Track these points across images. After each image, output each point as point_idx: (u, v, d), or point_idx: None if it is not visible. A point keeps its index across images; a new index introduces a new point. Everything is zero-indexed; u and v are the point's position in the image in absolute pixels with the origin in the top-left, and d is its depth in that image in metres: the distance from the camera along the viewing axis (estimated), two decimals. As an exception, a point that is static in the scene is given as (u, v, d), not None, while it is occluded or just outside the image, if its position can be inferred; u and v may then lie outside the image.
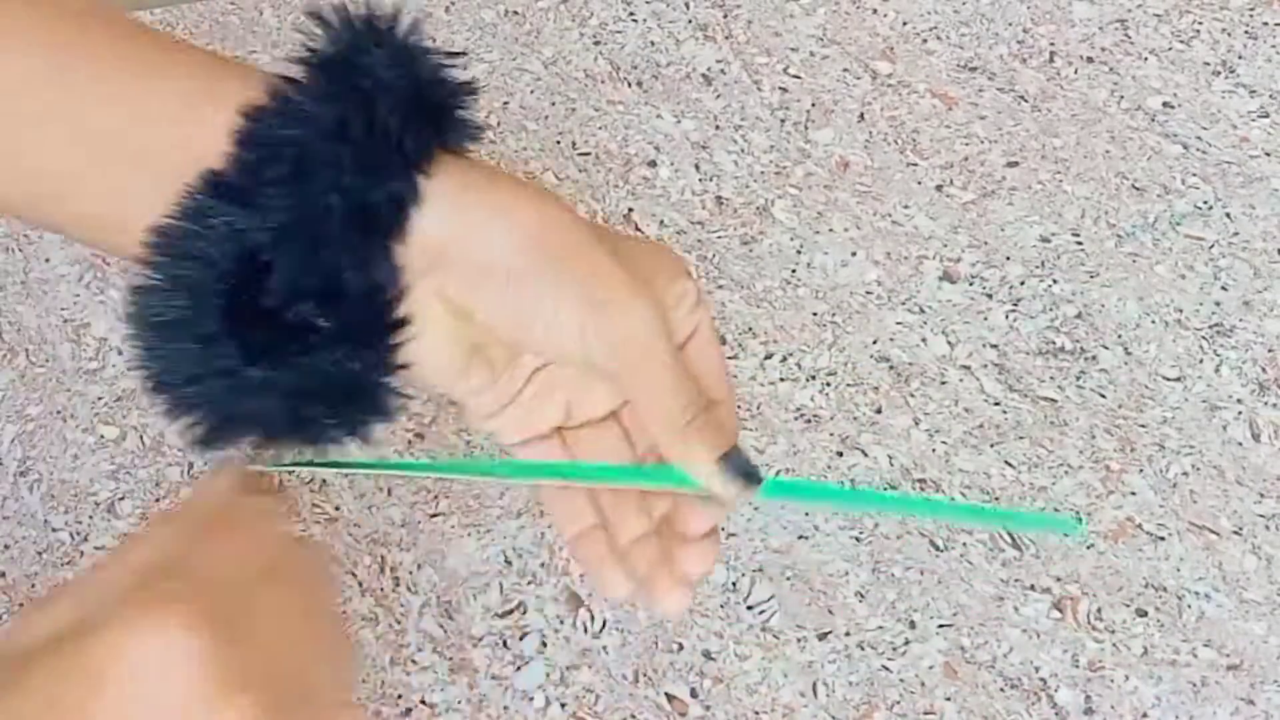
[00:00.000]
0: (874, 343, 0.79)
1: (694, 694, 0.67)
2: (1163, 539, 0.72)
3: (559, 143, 0.87)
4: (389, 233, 0.46)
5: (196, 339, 0.44)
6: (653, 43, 0.92)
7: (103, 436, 0.76)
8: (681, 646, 0.69)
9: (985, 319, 0.80)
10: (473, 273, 0.47)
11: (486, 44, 0.92)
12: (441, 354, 0.48)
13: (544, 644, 0.69)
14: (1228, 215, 0.84)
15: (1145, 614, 0.70)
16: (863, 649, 0.69)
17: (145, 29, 0.48)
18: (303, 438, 0.47)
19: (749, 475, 0.48)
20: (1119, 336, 0.79)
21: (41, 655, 0.39)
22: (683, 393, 0.48)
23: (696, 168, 0.86)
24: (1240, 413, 0.77)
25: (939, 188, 0.86)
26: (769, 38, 0.93)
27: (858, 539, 0.72)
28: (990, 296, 0.81)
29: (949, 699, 0.67)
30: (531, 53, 0.91)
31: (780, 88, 0.90)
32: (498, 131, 0.87)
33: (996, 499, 0.73)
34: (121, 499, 0.73)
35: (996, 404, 0.77)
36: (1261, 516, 0.73)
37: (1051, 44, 0.93)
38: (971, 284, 0.82)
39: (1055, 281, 0.82)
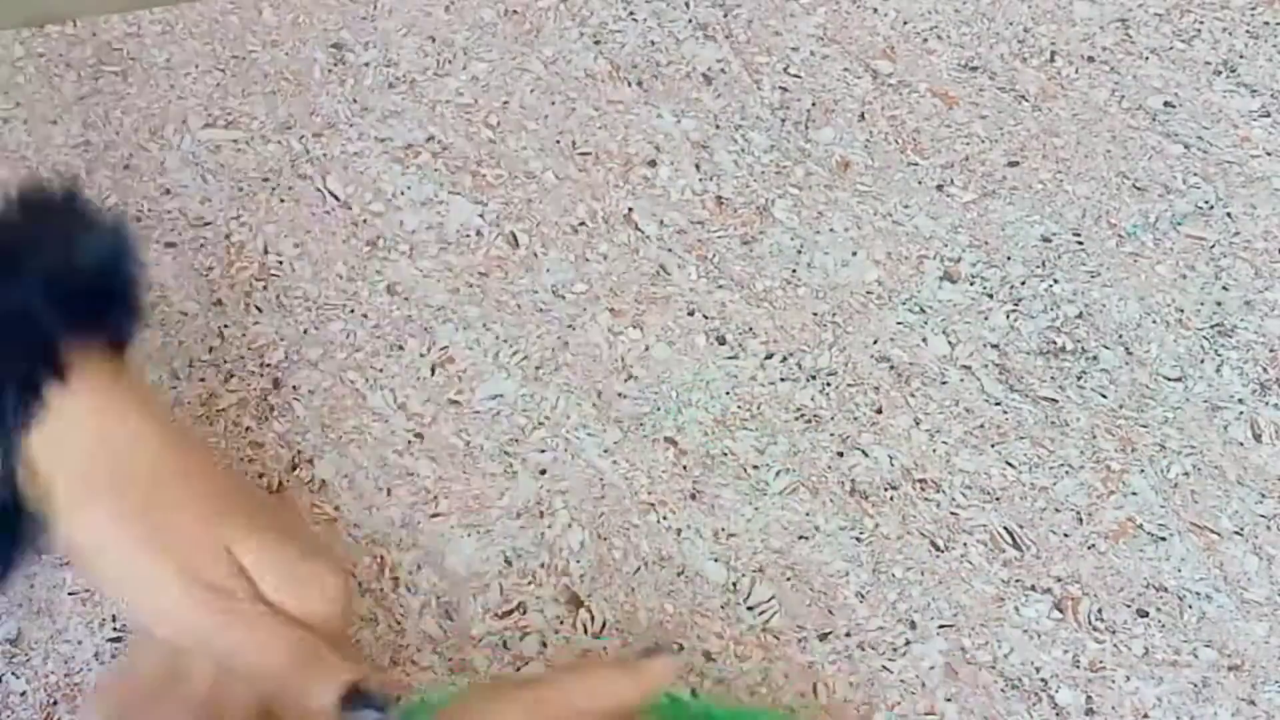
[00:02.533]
0: (874, 343, 0.79)
1: (694, 695, 0.67)
2: (1164, 539, 0.72)
3: (559, 142, 0.87)
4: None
5: None
6: (653, 42, 0.92)
7: (102, 436, 0.75)
8: (681, 647, 0.69)
9: (986, 319, 0.80)
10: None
11: (486, 44, 0.92)
12: None
13: (544, 644, 0.69)
14: (1229, 215, 0.84)
15: (1146, 614, 0.70)
16: (863, 649, 0.69)
17: None
18: None
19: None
20: (1120, 336, 0.79)
21: None
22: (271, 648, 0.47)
23: (696, 167, 0.86)
24: (1241, 413, 0.77)
25: (939, 187, 0.86)
26: (769, 37, 0.92)
27: (858, 539, 0.72)
28: (991, 296, 0.81)
29: (950, 699, 0.67)
30: (531, 52, 0.91)
31: (780, 87, 0.90)
32: (497, 131, 0.87)
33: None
34: (120, 499, 0.73)
35: (997, 404, 0.77)
36: (1263, 517, 0.73)
37: (1052, 43, 0.93)
38: (972, 284, 0.81)
39: (1056, 281, 0.81)
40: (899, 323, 0.80)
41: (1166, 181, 0.86)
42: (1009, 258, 0.83)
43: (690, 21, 0.93)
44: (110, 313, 0.54)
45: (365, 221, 0.83)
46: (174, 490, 0.49)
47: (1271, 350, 0.79)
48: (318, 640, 0.49)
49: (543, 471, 0.74)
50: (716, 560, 0.71)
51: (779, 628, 0.69)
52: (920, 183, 0.86)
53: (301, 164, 0.85)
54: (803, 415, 0.76)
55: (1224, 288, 0.81)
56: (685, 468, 0.74)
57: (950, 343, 0.79)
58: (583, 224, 0.83)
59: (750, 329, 0.79)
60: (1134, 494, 0.74)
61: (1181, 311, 0.80)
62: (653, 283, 0.81)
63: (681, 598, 0.71)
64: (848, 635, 0.69)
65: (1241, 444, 0.75)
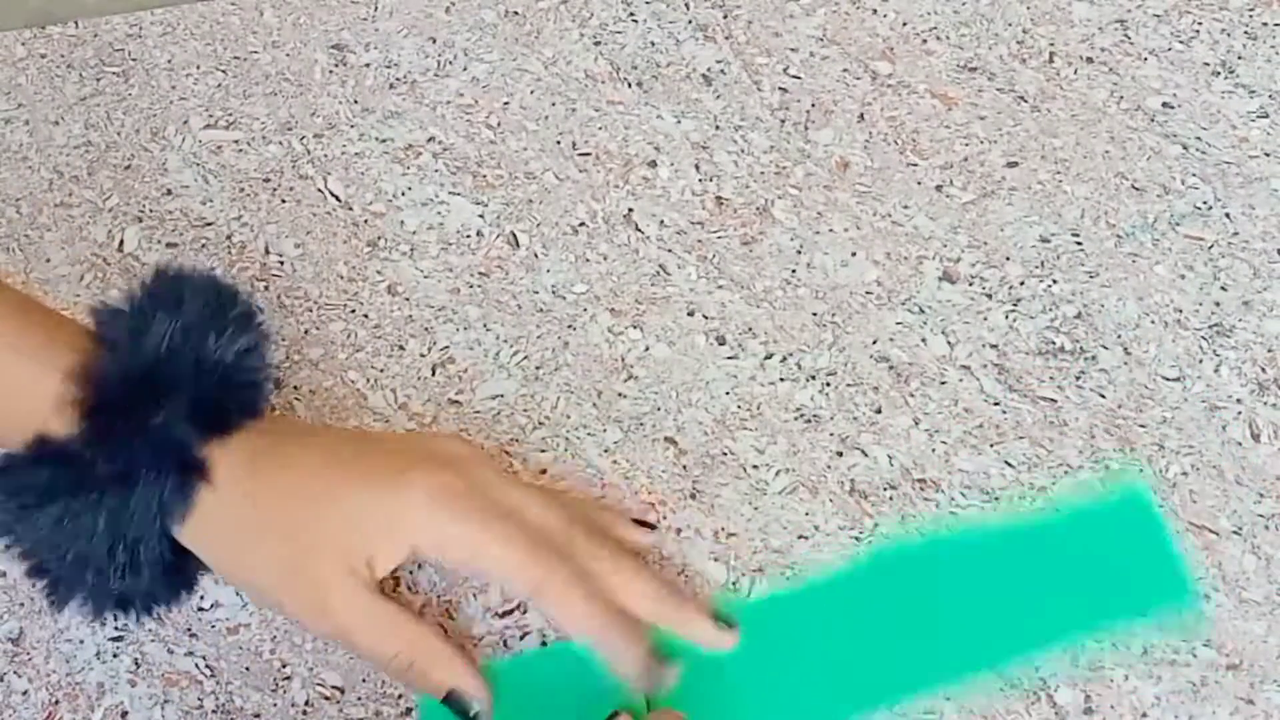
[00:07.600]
0: (874, 343, 0.79)
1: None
2: (1162, 539, 0.72)
3: (559, 143, 0.87)
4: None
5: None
6: (653, 43, 0.92)
7: (103, 436, 0.76)
8: (681, 646, 0.69)
9: (985, 319, 0.80)
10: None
11: (486, 44, 0.92)
12: None
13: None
14: (1227, 215, 0.84)
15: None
16: (863, 649, 0.69)
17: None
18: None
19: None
20: (1118, 336, 0.80)
21: None
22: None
23: (696, 168, 0.86)
24: (1240, 413, 0.77)
25: (939, 188, 0.86)
26: (769, 38, 0.93)
27: (858, 539, 0.72)
28: (990, 297, 0.81)
29: (948, 698, 0.67)
30: (531, 53, 0.91)
31: (780, 88, 0.90)
32: (498, 132, 0.87)
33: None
34: (122, 499, 0.73)
35: (996, 404, 0.77)
36: (1261, 516, 0.73)
37: (1051, 44, 0.93)
38: (971, 284, 0.82)
39: (1055, 282, 0.82)
40: (898, 323, 0.80)
41: (1165, 182, 0.86)
42: (1008, 258, 0.83)
43: (690, 22, 0.93)
44: (244, 401, 0.64)
45: (366, 222, 0.83)
46: (315, 536, 0.59)
47: (1270, 350, 0.79)
48: (433, 637, 0.62)
49: (543, 471, 0.74)
50: (716, 560, 0.72)
51: (779, 627, 0.69)
52: (919, 183, 0.86)
53: (302, 164, 0.86)
54: (802, 415, 0.77)
55: (1222, 288, 0.82)
56: (685, 468, 0.75)
57: (949, 343, 0.79)
58: (583, 224, 0.84)
59: (750, 329, 0.80)
60: (1133, 494, 0.74)
61: (1180, 311, 0.81)
62: (653, 283, 0.81)
63: (681, 597, 0.71)
64: (847, 634, 0.69)
65: (1240, 444, 0.75)
